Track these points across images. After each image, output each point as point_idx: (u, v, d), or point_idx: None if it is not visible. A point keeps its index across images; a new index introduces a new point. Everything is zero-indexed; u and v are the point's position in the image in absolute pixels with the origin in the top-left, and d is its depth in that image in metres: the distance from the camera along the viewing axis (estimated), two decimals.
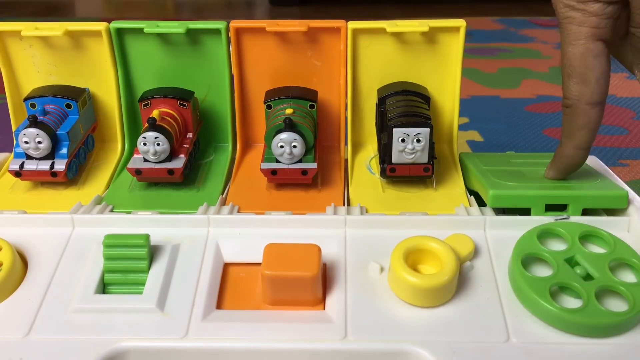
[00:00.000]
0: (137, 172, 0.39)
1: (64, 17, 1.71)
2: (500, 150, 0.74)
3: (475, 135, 0.80)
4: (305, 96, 0.41)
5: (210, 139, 0.45)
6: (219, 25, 0.41)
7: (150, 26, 0.40)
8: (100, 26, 0.41)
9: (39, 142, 0.38)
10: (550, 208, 0.35)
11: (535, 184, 0.36)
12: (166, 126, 0.38)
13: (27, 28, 0.41)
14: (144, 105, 0.40)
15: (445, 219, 0.34)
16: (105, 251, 0.32)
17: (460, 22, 0.40)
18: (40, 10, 1.83)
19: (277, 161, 0.38)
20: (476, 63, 1.19)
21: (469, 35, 1.63)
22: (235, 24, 0.41)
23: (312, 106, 0.41)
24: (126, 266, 0.32)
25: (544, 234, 0.33)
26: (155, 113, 0.39)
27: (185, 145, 0.40)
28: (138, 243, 0.31)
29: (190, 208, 0.37)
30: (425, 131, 0.36)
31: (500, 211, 0.37)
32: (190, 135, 0.41)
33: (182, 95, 0.41)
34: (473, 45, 1.44)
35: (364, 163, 0.43)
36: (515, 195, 0.35)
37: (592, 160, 0.42)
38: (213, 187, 0.40)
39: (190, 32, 0.41)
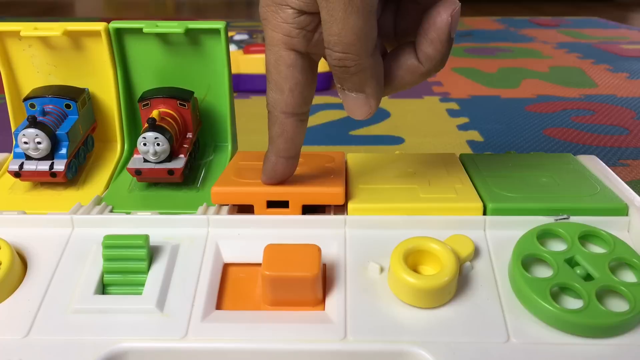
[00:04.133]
0: (137, 173, 0.38)
1: (63, 17, 1.72)
2: (500, 150, 0.74)
3: (475, 135, 0.80)
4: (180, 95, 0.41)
5: (209, 138, 0.45)
6: (218, 25, 0.41)
7: (149, 26, 0.40)
8: (99, 26, 0.41)
9: (38, 143, 0.38)
10: None
11: (535, 195, 0.36)
12: (166, 126, 0.38)
13: (26, 28, 0.41)
14: (144, 106, 0.40)
15: (445, 219, 0.34)
16: (104, 252, 0.31)
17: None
18: (40, 10, 1.83)
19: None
20: (476, 63, 1.19)
21: (469, 35, 1.63)
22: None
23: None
24: (126, 267, 0.31)
25: (543, 234, 0.33)
26: (155, 113, 0.39)
27: (185, 146, 0.40)
28: (137, 244, 0.31)
29: (190, 208, 0.37)
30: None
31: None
32: (190, 135, 0.41)
33: (181, 95, 0.41)
34: (473, 45, 1.44)
35: None
36: (514, 209, 0.35)
37: (592, 160, 0.42)
38: None
39: (189, 32, 0.41)
